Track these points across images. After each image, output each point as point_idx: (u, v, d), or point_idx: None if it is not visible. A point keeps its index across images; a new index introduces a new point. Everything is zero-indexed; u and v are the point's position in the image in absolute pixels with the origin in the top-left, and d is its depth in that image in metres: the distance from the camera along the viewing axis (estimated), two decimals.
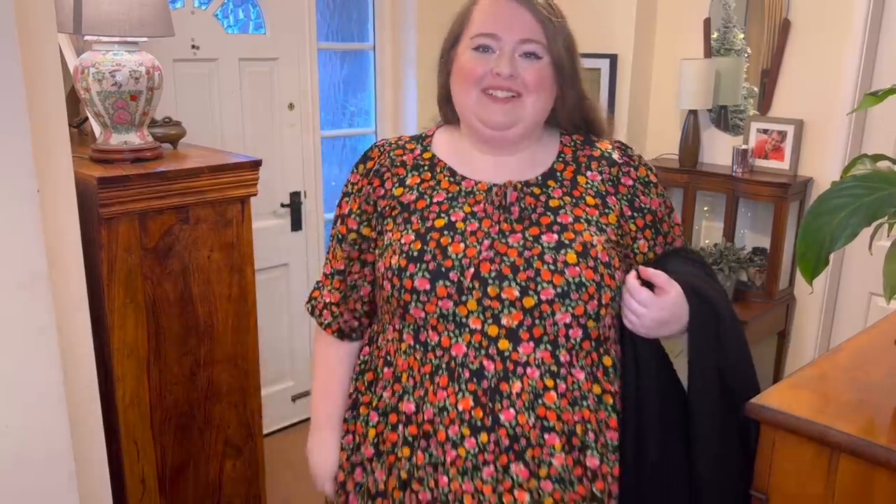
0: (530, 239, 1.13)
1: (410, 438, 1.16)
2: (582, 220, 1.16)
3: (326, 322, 1.33)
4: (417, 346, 1.15)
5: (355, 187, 1.26)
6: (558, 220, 1.15)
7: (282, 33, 2.93)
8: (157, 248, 1.94)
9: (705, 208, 3.10)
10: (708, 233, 3.12)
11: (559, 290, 1.10)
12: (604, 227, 1.17)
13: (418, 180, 1.22)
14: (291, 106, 3.02)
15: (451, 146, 1.26)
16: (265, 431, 2.63)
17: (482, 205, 1.17)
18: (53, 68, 1.50)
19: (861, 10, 2.57)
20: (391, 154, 1.26)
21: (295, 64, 2.99)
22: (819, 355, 1.87)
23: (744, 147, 2.83)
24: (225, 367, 2.13)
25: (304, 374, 3.32)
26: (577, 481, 1.13)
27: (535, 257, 1.11)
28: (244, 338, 2.15)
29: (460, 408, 1.11)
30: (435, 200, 1.19)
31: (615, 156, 1.24)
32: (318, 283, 1.36)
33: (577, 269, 1.11)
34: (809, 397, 1.27)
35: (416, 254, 1.13)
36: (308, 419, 3.61)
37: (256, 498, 2.30)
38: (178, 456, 2.10)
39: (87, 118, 2.23)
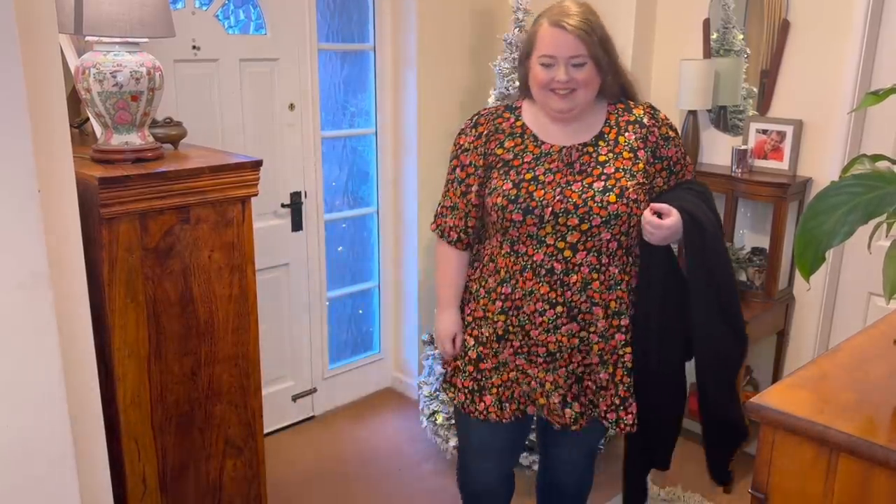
0: (586, 186, 1.76)
1: (506, 309, 1.83)
2: (620, 170, 1.78)
3: (454, 239, 1.93)
4: (512, 253, 1.81)
5: (472, 144, 1.86)
6: (605, 171, 1.78)
7: (282, 34, 2.93)
8: (158, 248, 1.94)
9: None
10: None
11: (603, 219, 1.74)
12: (634, 174, 1.79)
13: (513, 144, 1.83)
14: (292, 106, 3.02)
15: (534, 116, 1.87)
16: (265, 431, 2.63)
17: (556, 163, 1.79)
18: (55, 69, 1.50)
19: (860, 11, 2.57)
20: (494, 122, 1.87)
21: (295, 64, 2.99)
22: (818, 355, 1.87)
23: (743, 147, 2.83)
24: (225, 366, 2.13)
25: (304, 374, 3.33)
26: (610, 336, 1.82)
27: (589, 199, 1.74)
28: (244, 338, 2.16)
29: (541, 291, 1.78)
30: (525, 161, 1.81)
31: (645, 120, 1.84)
32: (437, 213, 1.97)
33: (616, 206, 1.74)
34: (809, 397, 1.27)
35: (513, 197, 1.77)
36: (308, 418, 3.62)
37: (256, 498, 2.30)
38: (179, 455, 2.10)
39: (88, 118, 2.23)
